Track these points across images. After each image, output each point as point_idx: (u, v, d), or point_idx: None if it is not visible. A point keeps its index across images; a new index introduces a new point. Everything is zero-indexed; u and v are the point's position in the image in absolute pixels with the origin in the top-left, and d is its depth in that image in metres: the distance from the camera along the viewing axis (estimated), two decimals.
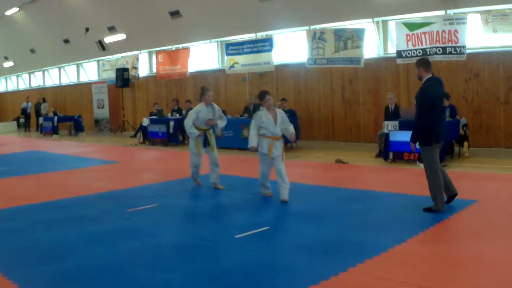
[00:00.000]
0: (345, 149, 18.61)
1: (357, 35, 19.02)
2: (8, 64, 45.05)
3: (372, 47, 19.86)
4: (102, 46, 32.39)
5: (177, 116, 23.56)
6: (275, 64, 22.40)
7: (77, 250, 7.93)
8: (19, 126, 41.31)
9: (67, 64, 38.76)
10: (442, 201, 9.36)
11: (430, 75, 9.39)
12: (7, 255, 7.82)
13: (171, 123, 22.98)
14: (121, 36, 30.53)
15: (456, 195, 9.74)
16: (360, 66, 19.12)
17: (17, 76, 47.14)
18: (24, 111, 39.75)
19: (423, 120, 9.20)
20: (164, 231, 9.04)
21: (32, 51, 39.98)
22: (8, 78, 48.92)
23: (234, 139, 20.14)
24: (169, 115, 24.31)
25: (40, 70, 42.87)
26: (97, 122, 34.09)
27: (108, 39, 31.55)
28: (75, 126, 33.42)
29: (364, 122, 20.09)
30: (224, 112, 21.88)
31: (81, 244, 8.22)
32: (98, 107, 33.84)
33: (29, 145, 27.32)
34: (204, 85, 13.47)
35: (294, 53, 22.84)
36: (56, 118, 33.42)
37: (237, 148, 19.96)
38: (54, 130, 33.05)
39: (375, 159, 16.15)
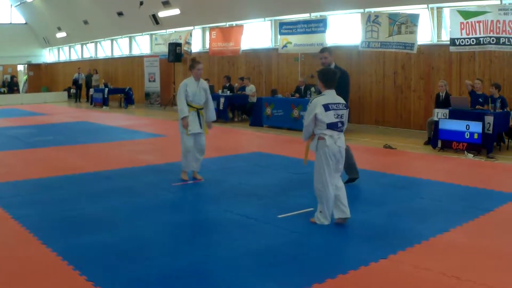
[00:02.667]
0: (394, 135, 18.80)
1: (411, 20, 19.18)
2: (61, 34, 45.98)
3: (425, 34, 19.98)
4: (155, 20, 32.99)
5: (228, 93, 24.13)
6: (328, 45, 22.25)
7: (119, 222, 8.23)
8: (69, 96, 42.15)
9: (120, 36, 39.54)
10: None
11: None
12: (49, 224, 8.14)
13: (222, 100, 23.45)
14: (175, 11, 31.02)
15: (354, 179, 10.37)
16: (413, 52, 19.26)
17: (70, 47, 48.09)
18: (75, 82, 40.50)
19: None
20: (207, 206, 9.38)
21: (85, 22, 40.76)
22: (60, 49, 49.97)
23: (283, 118, 20.60)
24: (219, 91, 24.85)
25: (92, 42, 43.71)
26: (147, 95, 34.75)
27: (162, 14, 32.11)
28: (125, 98, 34.29)
29: (415, 108, 20.23)
30: (275, 91, 22.48)
31: (123, 216, 8.56)
32: (149, 81, 34.47)
33: (78, 115, 28.09)
34: (195, 57, 12.56)
35: (348, 36, 23.05)
36: (107, 90, 34.29)
37: (286, 128, 20.33)
38: (105, 102, 34.01)
39: (424, 147, 16.27)
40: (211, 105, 11.44)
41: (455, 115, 15.30)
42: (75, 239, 7.28)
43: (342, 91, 8.78)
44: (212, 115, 11.41)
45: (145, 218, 8.44)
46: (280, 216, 8.46)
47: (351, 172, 10.45)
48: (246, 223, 8.22)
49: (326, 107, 7.66)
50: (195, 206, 9.47)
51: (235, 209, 8.94)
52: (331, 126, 7.74)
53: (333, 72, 8.16)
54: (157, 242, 7.32)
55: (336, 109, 7.73)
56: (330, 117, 7.68)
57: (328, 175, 7.89)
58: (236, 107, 24.45)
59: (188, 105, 10.88)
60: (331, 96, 7.88)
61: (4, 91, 44.00)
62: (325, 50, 9.98)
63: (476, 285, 5.82)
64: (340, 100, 7.96)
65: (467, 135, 14.92)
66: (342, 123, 7.91)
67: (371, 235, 7.55)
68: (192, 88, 10.86)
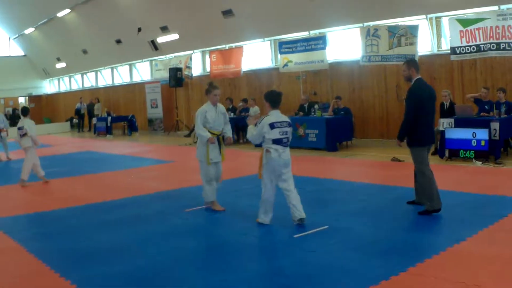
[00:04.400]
0: (400, 148, 18.64)
1: (411, 31, 19.36)
2: (60, 65, 46.26)
3: (425, 44, 20.10)
4: (154, 46, 33.18)
5: (232, 115, 24.07)
6: (329, 62, 22.75)
7: (133, 250, 8.21)
8: (72, 126, 42.32)
9: (120, 64, 39.71)
10: (438, 199, 9.37)
11: (419, 77, 9.54)
12: (64, 255, 8.12)
13: None
14: (173, 36, 31.20)
15: (419, 204, 9.83)
16: None
17: (70, 77, 48.38)
18: (78, 112, 40.73)
19: (410, 120, 9.38)
20: (222, 231, 9.35)
21: (85, 51, 41.03)
22: (60, 79, 50.26)
23: None
24: None
25: (92, 71, 43.94)
26: (150, 122, 34.90)
27: (161, 39, 32.28)
28: (129, 126, 34.56)
29: None
30: None
31: (136, 245, 8.54)
32: (152, 107, 34.64)
33: (83, 145, 28.17)
34: (212, 81, 12.23)
35: (348, 51, 23.14)
36: (109, 118, 34.41)
37: (292, 146, 20.07)
38: (108, 130, 34.09)
39: (431, 157, 15.55)
40: (229, 125, 10.99)
41: (460, 123, 15.40)
42: (91, 270, 7.27)
43: (406, 108, 9.63)
44: (229, 131, 10.95)
45: (159, 245, 8.41)
46: (296, 236, 8.46)
47: (431, 200, 9.56)
48: (262, 244, 8.33)
49: (272, 126, 8.86)
50: (208, 231, 9.46)
51: (250, 231, 8.96)
52: (277, 142, 8.94)
53: (277, 94, 9.33)
54: (172, 269, 7.27)
55: (280, 127, 8.94)
56: (275, 134, 8.89)
57: (270, 183, 9.15)
58: (240, 128, 24.42)
59: (208, 131, 10.46)
60: (276, 115, 9.05)
61: None
62: (404, 63, 9.84)
63: None
64: (285, 118, 9.11)
65: (474, 143, 15.00)
66: (287, 139, 9.09)
67: (388, 250, 7.59)
68: (211, 114, 10.48)
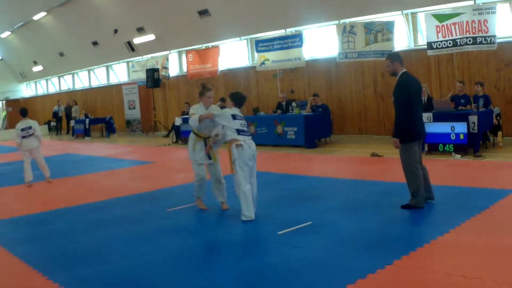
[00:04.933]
0: (378, 143, 18.86)
1: (387, 27, 19.37)
2: (37, 68, 46.11)
3: (402, 40, 20.18)
4: (131, 47, 33.06)
5: None
6: (306, 59, 22.74)
7: (120, 251, 8.12)
8: (50, 129, 42.03)
9: (97, 66, 39.65)
10: (423, 197, 9.34)
11: (405, 70, 9.34)
12: (50, 257, 8.02)
13: None
14: (150, 37, 31.17)
15: (431, 200, 9.74)
16: None
17: (47, 80, 48.29)
18: (55, 115, 40.44)
19: (405, 115, 9.19)
20: (206, 230, 9.27)
21: (61, 54, 40.91)
22: (37, 82, 50.04)
23: (267, 135, 20.56)
24: None
25: (69, 73, 43.84)
26: (128, 123, 34.76)
27: (137, 40, 32.21)
28: (107, 127, 34.24)
29: None
30: (257, 109, 22.47)
31: (123, 246, 8.44)
32: (129, 108, 34.50)
33: (61, 148, 27.90)
34: (205, 83, 12.03)
35: (325, 48, 23.19)
36: (87, 120, 34.10)
37: (271, 144, 20.33)
38: (86, 133, 33.83)
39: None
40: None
41: (439, 117, 15.42)
42: (79, 271, 7.21)
43: (396, 104, 9.46)
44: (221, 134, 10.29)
45: (146, 246, 8.36)
46: (280, 232, 8.42)
47: (416, 196, 9.53)
48: (248, 242, 8.31)
49: (234, 117, 9.42)
50: (194, 230, 9.37)
51: (234, 230, 8.95)
52: (240, 132, 9.40)
53: (242, 97, 9.88)
54: (161, 269, 7.23)
55: (240, 120, 9.49)
56: (237, 124, 9.39)
57: (243, 178, 9.37)
58: None
59: (195, 133, 10.30)
60: (233, 110, 9.55)
61: None
62: (387, 57, 9.61)
63: (484, 282, 5.88)
64: (240, 114, 9.61)
65: (453, 137, 15.01)
66: (248, 131, 9.58)
67: (372, 244, 7.58)
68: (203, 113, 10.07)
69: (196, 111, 10.13)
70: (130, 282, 6.74)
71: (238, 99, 9.68)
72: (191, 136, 10.39)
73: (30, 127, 15.36)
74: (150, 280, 6.75)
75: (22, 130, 15.31)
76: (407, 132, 9.26)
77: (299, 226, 8.71)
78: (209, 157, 10.33)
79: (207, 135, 10.26)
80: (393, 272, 6.38)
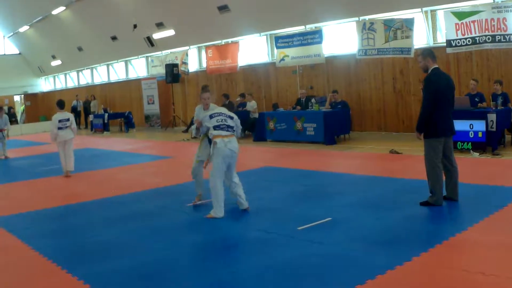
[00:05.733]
0: (397, 140, 18.96)
1: (407, 24, 19.49)
2: (56, 62, 46.32)
3: (421, 37, 20.20)
4: (150, 42, 33.29)
5: None
6: (326, 56, 22.89)
7: (138, 246, 8.24)
8: None
9: (115, 61, 39.86)
10: (441, 194, 9.39)
11: (436, 66, 9.43)
12: (69, 252, 8.15)
13: None
14: (169, 32, 31.26)
15: (454, 200, 9.70)
16: (410, 56, 19.50)
17: (65, 75, 48.46)
18: (74, 109, 40.40)
19: (428, 109, 9.26)
20: (225, 224, 9.34)
21: (80, 49, 41.05)
22: (56, 77, 50.32)
23: (287, 131, 20.76)
24: None
25: (88, 68, 44.05)
26: (147, 118, 35.03)
27: (157, 35, 32.37)
28: (126, 122, 34.51)
29: (416, 112, 19.57)
30: (276, 105, 22.71)
31: (141, 240, 8.57)
32: (148, 103, 34.74)
33: (80, 142, 27.63)
34: (206, 84, 12.30)
35: (344, 45, 23.28)
36: (106, 115, 34.46)
37: (290, 140, 20.52)
38: (105, 127, 34.18)
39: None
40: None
41: (457, 115, 15.18)
42: (98, 265, 7.32)
43: (423, 98, 9.62)
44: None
45: (164, 240, 8.49)
46: (300, 228, 8.53)
47: (434, 194, 9.58)
48: (267, 237, 8.27)
49: (211, 116, 9.88)
50: (212, 225, 9.38)
51: (254, 225, 9.09)
52: (216, 128, 9.78)
53: (230, 103, 10.84)
54: (180, 263, 7.37)
55: (217, 116, 9.88)
56: (213, 122, 9.81)
57: (218, 174, 9.70)
58: None
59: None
60: (217, 109, 10.13)
61: None
62: (420, 54, 9.69)
63: (500, 279, 5.99)
64: (224, 111, 10.08)
65: (471, 134, 15.16)
66: (228, 126, 9.88)
67: (391, 240, 7.70)
68: (201, 117, 10.33)
69: (197, 115, 10.71)
70: (148, 276, 6.86)
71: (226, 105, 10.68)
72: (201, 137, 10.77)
73: (68, 119, 15.97)
74: (169, 275, 6.89)
75: (60, 121, 15.77)
76: (431, 126, 9.32)
77: (319, 222, 8.84)
78: None
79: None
80: (412, 269, 6.51)
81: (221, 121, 9.82)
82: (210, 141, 10.29)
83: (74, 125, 16.34)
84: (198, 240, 8.45)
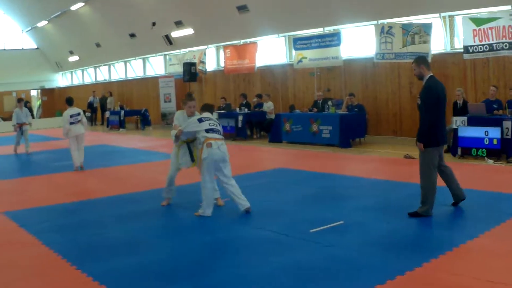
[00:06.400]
0: (412, 145, 18.44)
1: (424, 29, 19.63)
2: (73, 58, 46.88)
3: (439, 42, 20.34)
4: (169, 40, 33.61)
5: (246, 110, 24.70)
6: (343, 58, 23.06)
7: (150, 244, 8.38)
8: None
9: (133, 58, 40.14)
10: (432, 204, 9.33)
11: (431, 74, 9.42)
12: (80, 248, 8.30)
13: (240, 118, 24.09)
14: (188, 31, 31.57)
15: (463, 199, 9.86)
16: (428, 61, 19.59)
17: (83, 70, 48.99)
18: (90, 105, 41.25)
19: (432, 118, 9.22)
20: (237, 225, 9.50)
21: (98, 45, 41.53)
22: (73, 72, 50.89)
23: (302, 133, 21.13)
24: (237, 109, 25.41)
25: (105, 64, 44.46)
26: (164, 116, 35.23)
27: (175, 34, 32.70)
28: (142, 120, 34.98)
29: None
30: (293, 107, 23.01)
31: (153, 238, 8.73)
32: (165, 101, 34.95)
33: (96, 139, 28.43)
34: (190, 91, 12.49)
35: (362, 48, 23.47)
36: (122, 112, 34.92)
37: (305, 142, 20.80)
38: (121, 124, 34.67)
39: (444, 154, 16.12)
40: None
41: (473, 122, 15.71)
42: (108, 263, 7.46)
43: (423, 107, 9.50)
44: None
45: (175, 239, 8.69)
46: (312, 230, 8.66)
47: (459, 194, 9.91)
48: (279, 239, 8.38)
49: (200, 120, 10.22)
50: (224, 224, 9.56)
51: (266, 226, 9.14)
52: (209, 131, 10.12)
53: (210, 106, 10.96)
54: (190, 262, 7.44)
55: (208, 120, 10.25)
56: (205, 125, 10.14)
57: (209, 177, 10.16)
58: (254, 124, 25.09)
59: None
60: (204, 114, 10.44)
61: None
62: (414, 61, 9.66)
63: (510, 287, 6.12)
64: (211, 116, 10.54)
65: (486, 141, 15.38)
66: (219, 130, 10.35)
67: (402, 245, 7.85)
68: (182, 123, 10.55)
69: (178, 120, 10.84)
70: (160, 274, 6.99)
71: (206, 108, 10.73)
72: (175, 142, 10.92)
73: (79, 114, 16.65)
74: (180, 273, 7.01)
75: (71, 116, 16.28)
76: (434, 136, 9.33)
77: (331, 224, 8.98)
78: (192, 160, 10.73)
79: (191, 139, 10.65)
80: (422, 275, 6.60)
81: (213, 125, 10.24)
82: (189, 147, 10.72)
83: (84, 119, 17.02)
84: (209, 240, 8.56)
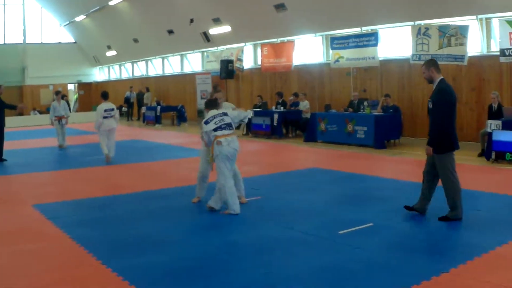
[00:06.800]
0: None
1: (461, 32, 19.78)
2: (111, 53, 47.50)
3: (475, 45, 20.44)
4: (206, 37, 34.04)
5: (282, 109, 24.97)
6: (380, 59, 23.31)
7: (177, 241, 8.46)
8: (121, 115, 43.11)
9: (171, 54, 40.68)
10: (461, 208, 9.22)
11: (442, 77, 9.40)
12: (107, 243, 8.43)
13: (275, 116, 24.29)
14: (226, 28, 31.90)
15: (422, 213, 9.63)
16: (464, 64, 19.76)
17: (120, 65, 49.65)
18: (127, 100, 41.84)
19: (445, 122, 9.14)
20: (266, 224, 9.44)
21: (135, 40, 42.06)
22: (110, 67, 51.57)
23: (338, 133, 21.34)
24: (273, 108, 25.69)
25: (143, 60, 44.98)
26: (200, 112, 35.36)
27: (213, 31, 33.08)
28: (178, 116, 35.42)
29: (467, 120, 20.55)
30: (329, 107, 23.23)
31: (180, 235, 8.82)
32: (202, 98, 35.05)
33: (131, 134, 29.02)
34: (216, 84, 12.70)
35: (398, 49, 23.65)
36: (159, 107, 35.44)
37: (340, 143, 21.00)
38: (157, 120, 35.23)
39: (477, 158, 16.45)
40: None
41: (508, 126, 15.66)
42: (134, 259, 7.54)
43: (435, 111, 9.35)
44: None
45: (204, 237, 8.75)
46: (341, 232, 8.69)
47: (455, 209, 9.44)
48: (307, 240, 8.40)
49: (206, 122, 10.46)
50: (253, 224, 9.59)
51: (295, 226, 9.17)
52: (217, 129, 10.37)
53: (212, 102, 10.87)
54: (217, 260, 7.49)
55: (213, 119, 10.44)
56: (211, 126, 10.39)
57: (227, 172, 10.37)
58: (289, 123, 25.34)
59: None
60: (210, 113, 10.59)
61: None
62: (423, 64, 9.73)
63: None
64: (215, 112, 10.61)
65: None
66: (228, 124, 10.51)
67: (430, 249, 7.89)
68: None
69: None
70: (184, 272, 7.05)
71: (208, 105, 10.87)
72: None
73: (113, 109, 17.40)
74: (205, 271, 7.06)
75: (105, 111, 16.97)
76: (448, 140, 9.24)
77: (361, 226, 9.00)
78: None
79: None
80: (448, 280, 6.54)
81: (219, 122, 10.43)
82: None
83: (117, 115, 17.86)
84: (237, 239, 8.66)
